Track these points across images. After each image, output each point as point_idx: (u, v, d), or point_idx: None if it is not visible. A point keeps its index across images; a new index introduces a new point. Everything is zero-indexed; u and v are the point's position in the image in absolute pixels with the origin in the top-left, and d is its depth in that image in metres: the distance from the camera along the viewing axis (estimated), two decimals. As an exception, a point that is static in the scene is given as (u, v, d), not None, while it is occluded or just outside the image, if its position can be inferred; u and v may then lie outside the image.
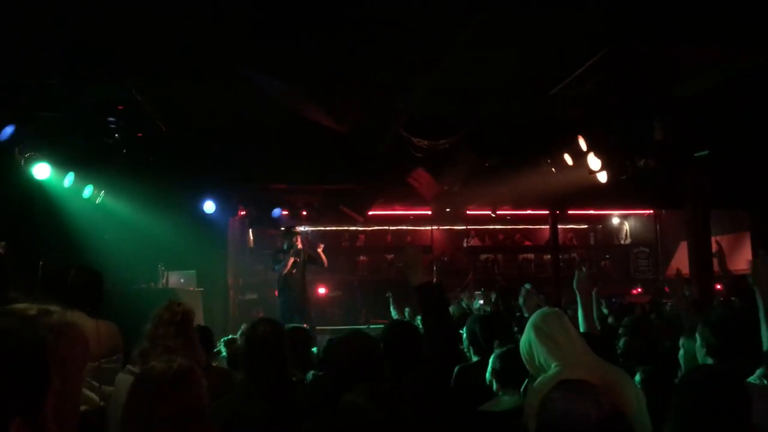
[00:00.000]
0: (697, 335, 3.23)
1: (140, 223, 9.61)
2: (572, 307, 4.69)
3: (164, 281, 9.49)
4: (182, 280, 9.82)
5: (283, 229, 11.09)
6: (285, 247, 10.63)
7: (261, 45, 5.93)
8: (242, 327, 5.27)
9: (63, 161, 8.01)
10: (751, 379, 3.17)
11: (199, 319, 8.85)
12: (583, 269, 4.42)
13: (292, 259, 10.36)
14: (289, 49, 5.93)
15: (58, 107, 7.48)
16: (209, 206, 10.84)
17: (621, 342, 4.62)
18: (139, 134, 8.69)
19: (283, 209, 12.55)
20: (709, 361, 3.17)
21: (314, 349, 5.63)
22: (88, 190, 8.89)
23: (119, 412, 2.95)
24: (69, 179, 8.24)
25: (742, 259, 12.96)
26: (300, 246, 10.52)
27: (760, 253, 3.64)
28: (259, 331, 3.24)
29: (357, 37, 5.99)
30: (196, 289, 9.90)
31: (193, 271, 10.09)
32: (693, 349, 3.46)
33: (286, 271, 10.33)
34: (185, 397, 2.09)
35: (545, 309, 3.31)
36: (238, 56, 6.00)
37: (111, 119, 8.10)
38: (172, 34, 5.96)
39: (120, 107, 7.88)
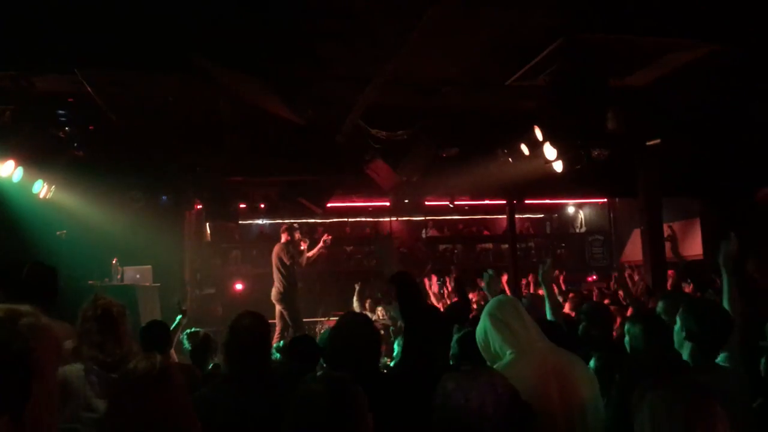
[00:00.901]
0: (677, 320, 3.31)
1: (93, 218, 9.41)
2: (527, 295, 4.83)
3: (119, 277, 9.31)
4: (138, 276, 9.65)
5: (284, 225, 11.04)
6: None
7: (215, 35, 5.84)
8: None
9: (11, 155, 7.78)
10: (717, 361, 3.28)
11: (156, 315, 8.77)
12: (548, 261, 4.59)
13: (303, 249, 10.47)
14: (245, 39, 5.85)
15: (5, 99, 7.25)
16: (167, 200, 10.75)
17: (580, 328, 4.71)
18: (91, 127, 8.49)
19: (240, 202, 12.43)
20: (688, 345, 3.24)
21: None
22: (37, 185, 8.66)
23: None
24: (17, 174, 8.01)
25: (693, 245, 13.34)
26: (300, 241, 10.62)
27: (731, 235, 3.78)
28: (244, 323, 3.20)
29: (312, 28, 5.95)
30: (152, 284, 9.74)
31: (149, 266, 9.92)
32: (637, 333, 3.55)
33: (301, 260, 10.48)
34: (170, 395, 2.07)
35: (500, 297, 3.34)
36: (192, 47, 5.90)
37: (61, 112, 7.89)
38: (123, 24, 5.82)
39: (70, 99, 7.68)
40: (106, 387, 3.04)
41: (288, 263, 10.27)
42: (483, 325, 3.11)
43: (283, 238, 10.59)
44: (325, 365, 2.92)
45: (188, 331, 5.54)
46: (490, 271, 4.67)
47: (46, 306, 3.84)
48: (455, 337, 3.80)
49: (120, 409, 2.08)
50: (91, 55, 6.42)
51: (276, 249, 10.52)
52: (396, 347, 5.36)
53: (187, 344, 5.27)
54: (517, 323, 3.02)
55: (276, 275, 10.39)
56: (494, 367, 2.95)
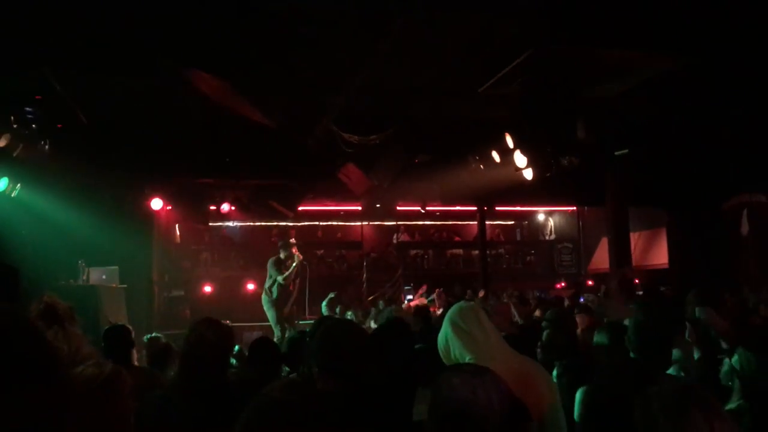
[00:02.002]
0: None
1: (60, 218, 9.27)
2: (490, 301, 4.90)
3: (85, 278, 9.18)
4: (104, 277, 9.53)
5: (280, 242, 11.16)
6: (283, 256, 10.69)
7: (186, 38, 5.81)
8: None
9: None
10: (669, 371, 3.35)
11: (122, 317, 8.66)
12: None
13: (295, 271, 10.60)
14: (215, 43, 5.83)
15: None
16: (156, 204, 11.01)
17: (544, 335, 4.76)
18: (59, 125, 8.37)
19: (211, 204, 12.35)
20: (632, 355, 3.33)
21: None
22: (2, 183, 8.52)
23: None
24: (-18, 172, 7.90)
25: (659, 254, 13.55)
26: (297, 254, 10.68)
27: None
28: (206, 333, 3.10)
29: (285, 34, 5.95)
30: (118, 285, 9.62)
31: (116, 267, 9.80)
32: (603, 341, 3.61)
33: (288, 281, 10.56)
34: (113, 403, 2.04)
35: (461, 303, 3.36)
36: (162, 49, 5.86)
37: (28, 109, 7.77)
38: (93, 23, 5.77)
39: (38, 97, 7.57)
40: None
41: (284, 274, 10.45)
42: (444, 331, 3.12)
43: (284, 252, 10.77)
44: (315, 371, 2.86)
45: (148, 336, 5.46)
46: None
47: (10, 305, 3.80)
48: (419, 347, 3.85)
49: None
50: (60, 53, 6.35)
51: (270, 260, 10.65)
52: None
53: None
54: (476, 329, 3.04)
55: (267, 282, 10.57)
56: (454, 373, 2.98)
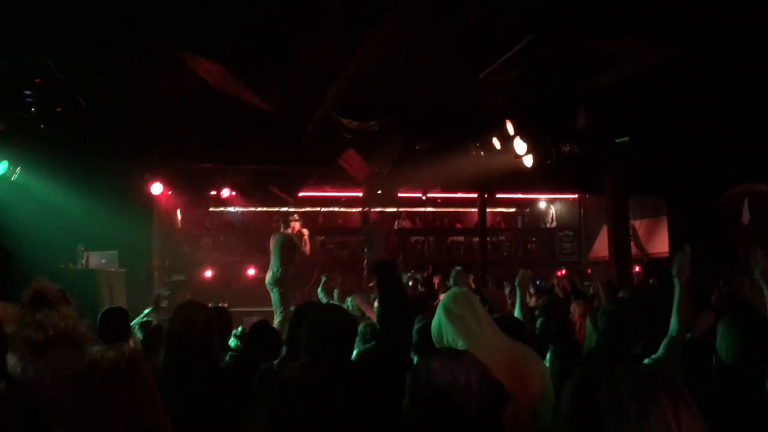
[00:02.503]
0: (587, 320, 3.45)
1: (60, 202, 9.27)
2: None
3: (84, 262, 9.20)
4: (103, 261, 9.54)
5: (282, 218, 11.27)
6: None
7: (184, 22, 5.78)
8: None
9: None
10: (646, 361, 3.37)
11: (121, 301, 8.69)
12: (529, 271, 4.92)
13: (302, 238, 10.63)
14: (213, 29, 5.81)
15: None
16: (156, 188, 10.92)
17: (537, 323, 4.80)
18: (58, 109, 8.35)
19: (211, 189, 12.35)
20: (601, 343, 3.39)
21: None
22: (2, 167, 8.52)
23: None
24: (-19, 155, 7.90)
25: (659, 243, 13.54)
26: (297, 230, 10.71)
27: (685, 247, 3.88)
28: (184, 316, 3.13)
29: (284, 18, 5.92)
30: (118, 270, 9.64)
31: (115, 252, 9.81)
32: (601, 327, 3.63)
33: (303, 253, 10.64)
34: (138, 383, 2.06)
35: (455, 289, 3.38)
36: (160, 33, 5.84)
37: (27, 92, 7.76)
38: (91, 6, 5.74)
39: (36, 80, 7.55)
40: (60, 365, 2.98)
41: (293, 252, 10.46)
42: (438, 317, 3.14)
43: (290, 227, 10.80)
44: (302, 354, 2.88)
45: (140, 319, 5.48)
46: (458, 268, 4.77)
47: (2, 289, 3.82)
48: (415, 327, 3.85)
49: (87, 401, 2.05)
50: (60, 36, 6.33)
51: (279, 238, 10.61)
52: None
53: (139, 333, 5.21)
54: (470, 316, 3.06)
55: (275, 262, 10.52)
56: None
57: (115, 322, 4.32)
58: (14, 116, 7.72)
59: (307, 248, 10.83)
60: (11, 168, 8.70)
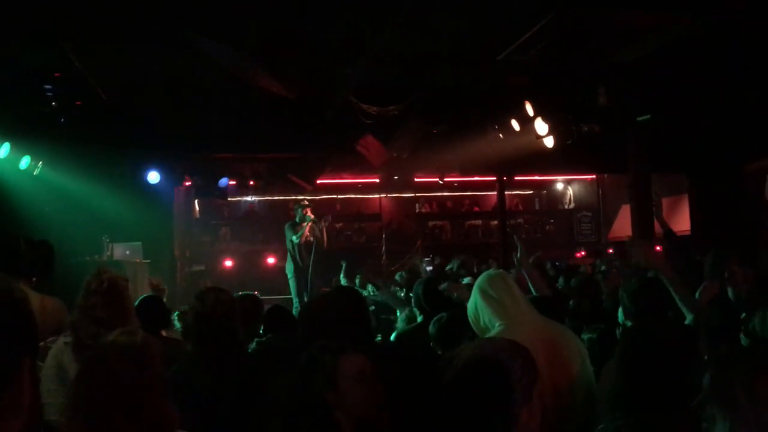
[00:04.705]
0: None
1: (82, 195, 9.35)
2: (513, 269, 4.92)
3: (109, 253, 9.28)
4: (128, 252, 9.62)
5: (295, 205, 11.17)
6: (297, 219, 10.73)
7: (202, 9, 5.77)
8: None
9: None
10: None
11: (146, 291, 8.75)
12: (519, 249, 4.67)
13: (308, 227, 10.52)
14: (234, 12, 5.79)
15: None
16: (153, 176, 10.65)
17: (571, 302, 4.78)
18: (78, 102, 8.39)
19: (230, 178, 12.38)
20: (628, 323, 3.35)
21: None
22: (25, 161, 8.59)
23: (51, 382, 2.90)
24: (4, 150, 7.95)
25: (681, 220, 13.42)
26: (311, 215, 10.63)
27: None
28: (207, 300, 3.13)
29: (302, 2, 5.89)
30: (142, 260, 9.72)
31: (139, 243, 9.89)
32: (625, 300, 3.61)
33: (303, 240, 10.51)
34: (146, 370, 2.05)
35: (490, 271, 3.37)
36: (178, 20, 5.83)
37: (47, 87, 7.80)
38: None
39: (57, 74, 7.58)
40: None
41: (312, 240, 10.45)
42: (474, 300, 3.14)
43: (299, 215, 10.75)
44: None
45: (181, 309, 5.52)
46: (521, 247, 4.68)
47: (42, 281, 3.88)
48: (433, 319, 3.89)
49: (89, 379, 2.05)
50: (79, 28, 6.34)
51: (290, 223, 10.66)
52: (400, 322, 5.42)
53: (178, 324, 5.25)
54: (506, 296, 3.06)
55: (295, 251, 10.56)
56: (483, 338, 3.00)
57: (153, 311, 4.33)
58: (36, 110, 7.76)
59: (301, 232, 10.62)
60: (34, 162, 8.76)
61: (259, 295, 5.08)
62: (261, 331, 4.93)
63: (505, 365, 1.95)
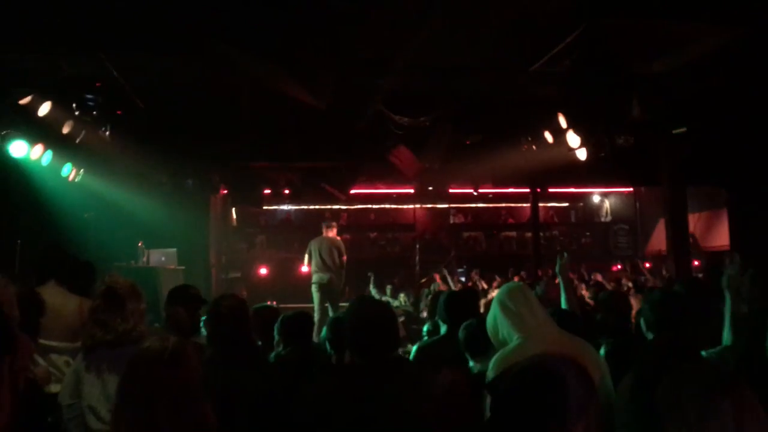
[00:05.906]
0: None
1: (120, 202, 9.57)
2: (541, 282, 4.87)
3: (145, 259, 9.47)
4: (163, 258, 9.81)
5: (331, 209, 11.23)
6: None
7: (236, 20, 5.89)
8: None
9: (40, 139, 7.92)
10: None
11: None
12: (565, 255, 4.63)
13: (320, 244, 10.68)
14: (264, 24, 5.89)
15: (33, 82, 7.38)
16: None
17: (597, 317, 4.72)
18: (118, 111, 8.60)
19: (265, 187, 12.52)
20: (650, 335, 3.31)
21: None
22: (66, 169, 8.83)
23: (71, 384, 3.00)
24: (47, 157, 8.18)
25: (719, 236, 13.15)
26: (329, 235, 10.76)
27: (734, 256, 3.76)
28: (221, 305, 3.40)
29: (334, 12, 5.96)
30: (177, 267, 9.89)
31: (174, 250, 10.08)
32: (647, 317, 3.57)
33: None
34: (182, 371, 2.12)
35: (510, 284, 3.37)
36: (213, 31, 5.96)
37: (89, 96, 8.01)
38: (147, 7, 5.89)
39: (97, 84, 7.79)
40: (107, 363, 3.13)
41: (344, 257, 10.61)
42: (493, 312, 3.14)
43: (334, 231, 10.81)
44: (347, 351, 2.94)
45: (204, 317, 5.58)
46: (565, 254, 4.67)
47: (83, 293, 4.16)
48: (462, 325, 3.88)
49: (129, 389, 2.13)
50: (115, 37, 6.51)
51: (337, 242, 10.74)
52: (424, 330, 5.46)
53: (204, 331, 5.31)
54: (525, 309, 3.04)
55: (336, 268, 10.71)
56: (501, 351, 2.98)
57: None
58: (77, 119, 7.97)
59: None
60: (75, 170, 9.00)
61: (276, 305, 5.13)
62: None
63: (560, 373, 1.96)
